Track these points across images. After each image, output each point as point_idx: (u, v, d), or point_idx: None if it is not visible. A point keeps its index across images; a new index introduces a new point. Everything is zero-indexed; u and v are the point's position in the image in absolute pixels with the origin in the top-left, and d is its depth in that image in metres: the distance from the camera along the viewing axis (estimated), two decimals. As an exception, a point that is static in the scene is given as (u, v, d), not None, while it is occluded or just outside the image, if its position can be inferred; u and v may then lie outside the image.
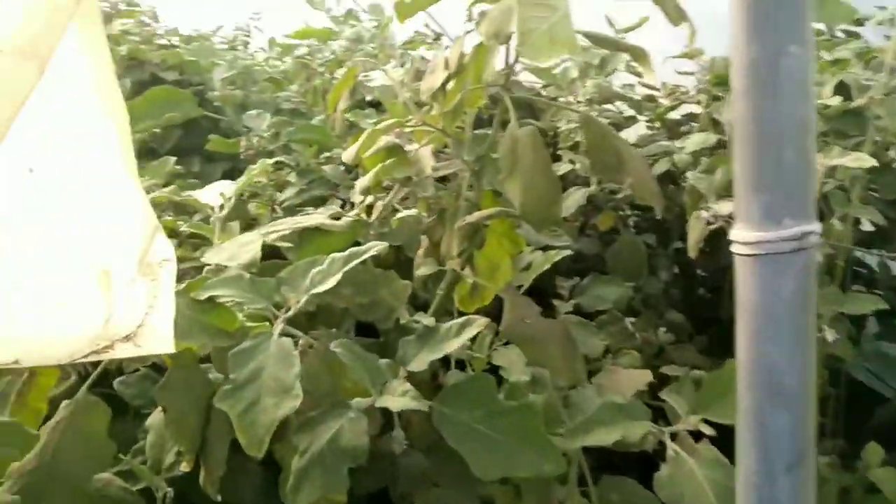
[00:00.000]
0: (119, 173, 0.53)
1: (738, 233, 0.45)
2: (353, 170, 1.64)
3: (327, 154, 1.86)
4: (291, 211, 1.52)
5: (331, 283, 0.73)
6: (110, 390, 0.89)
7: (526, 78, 2.38)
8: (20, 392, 0.73)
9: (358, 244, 0.93)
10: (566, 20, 0.68)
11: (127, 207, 0.53)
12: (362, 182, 0.94)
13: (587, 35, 0.85)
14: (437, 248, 1.00)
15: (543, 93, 2.73)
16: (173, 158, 1.99)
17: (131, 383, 0.88)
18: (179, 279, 0.79)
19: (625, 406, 0.70)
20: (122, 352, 0.55)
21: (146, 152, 3.12)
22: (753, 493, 0.47)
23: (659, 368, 1.21)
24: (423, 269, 0.92)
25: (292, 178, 1.53)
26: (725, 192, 1.34)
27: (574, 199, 1.78)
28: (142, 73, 3.34)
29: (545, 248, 1.41)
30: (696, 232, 1.14)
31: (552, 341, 0.81)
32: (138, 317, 0.55)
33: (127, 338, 0.54)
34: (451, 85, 0.93)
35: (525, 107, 2.58)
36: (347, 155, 0.95)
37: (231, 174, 2.07)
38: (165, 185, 1.85)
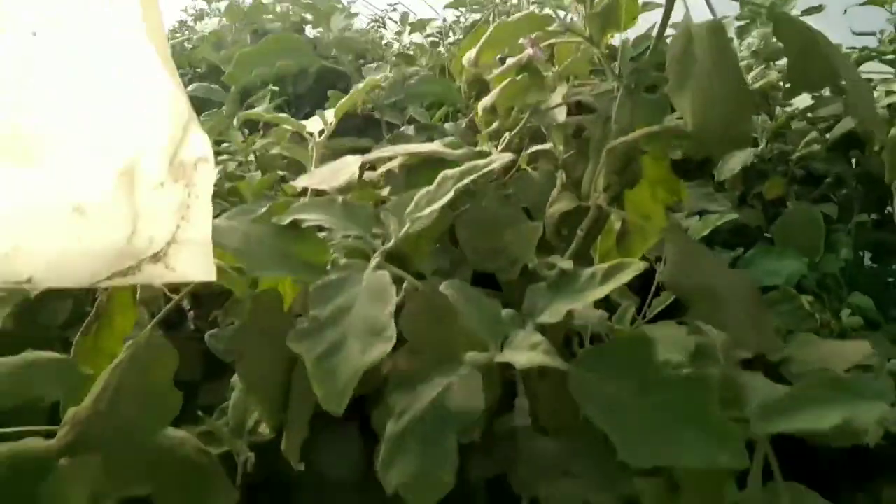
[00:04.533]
0: (143, 47, 0.40)
1: None
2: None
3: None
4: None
5: (440, 203, 0.57)
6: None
7: None
8: (90, 331, 0.64)
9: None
10: None
11: (153, 91, 0.40)
12: (486, 101, 0.77)
13: None
14: (578, 185, 0.81)
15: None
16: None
17: (224, 337, 0.78)
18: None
19: (851, 381, 0.48)
20: (152, 275, 0.43)
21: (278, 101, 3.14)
22: None
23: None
24: (557, 206, 0.74)
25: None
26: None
27: (738, 159, 1.52)
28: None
29: (701, 214, 1.20)
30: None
31: (737, 299, 0.60)
32: (168, 230, 0.42)
33: (156, 257, 0.42)
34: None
35: None
36: (468, 59, 0.78)
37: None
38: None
